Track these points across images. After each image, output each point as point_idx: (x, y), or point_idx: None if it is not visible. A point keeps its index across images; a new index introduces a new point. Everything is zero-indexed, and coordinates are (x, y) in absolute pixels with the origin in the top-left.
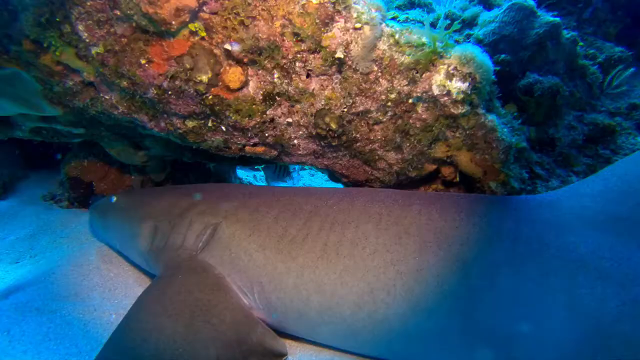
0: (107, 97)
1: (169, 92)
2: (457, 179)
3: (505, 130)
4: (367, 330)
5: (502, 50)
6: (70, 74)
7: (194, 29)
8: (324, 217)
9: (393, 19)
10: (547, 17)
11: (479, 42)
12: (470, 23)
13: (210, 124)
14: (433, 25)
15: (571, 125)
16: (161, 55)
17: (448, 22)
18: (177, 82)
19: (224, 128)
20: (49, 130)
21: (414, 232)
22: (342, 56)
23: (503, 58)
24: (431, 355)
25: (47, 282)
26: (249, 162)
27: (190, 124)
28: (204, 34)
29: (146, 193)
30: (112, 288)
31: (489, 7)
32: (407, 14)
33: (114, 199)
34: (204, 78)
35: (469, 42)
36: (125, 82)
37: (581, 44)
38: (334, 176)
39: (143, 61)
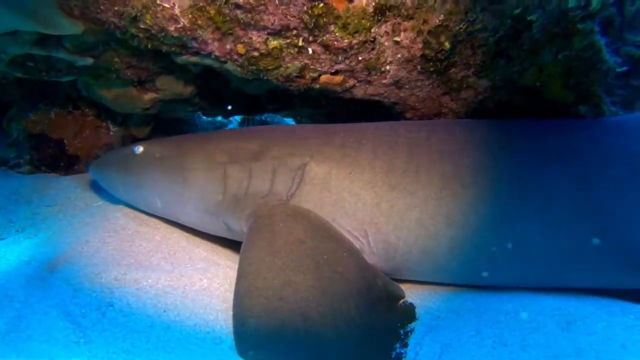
0: (167, 5)
1: None
2: (533, 107)
3: (607, 50)
4: (502, 259)
5: None
6: None
7: None
8: (427, 149)
9: None
10: None
11: None
12: None
13: (300, 43)
14: None
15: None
16: None
17: None
18: None
19: (311, 50)
20: (40, 61)
21: (530, 156)
22: None
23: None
24: (564, 273)
25: (88, 253)
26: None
27: (273, 43)
28: None
29: (187, 140)
30: (172, 252)
31: None
32: None
33: (140, 149)
34: None
35: None
36: None
37: None
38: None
39: None
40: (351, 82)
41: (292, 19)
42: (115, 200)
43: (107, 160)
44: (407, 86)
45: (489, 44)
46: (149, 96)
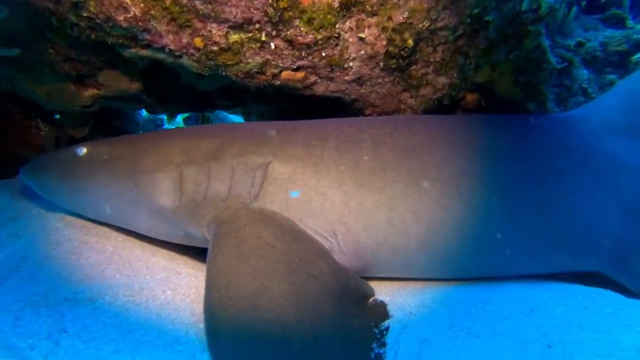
0: None
1: None
2: (483, 104)
3: (551, 52)
4: (469, 251)
5: None
6: None
7: None
8: (392, 145)
9: None
10: None
11: None
12: None
13: (263, 38)
14: None
15: None
16: None
17: None
18: None
19: (273, 45)
20: None
21: (492, 151)
22: None
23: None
24: (522, 262)
25: (27, 271)
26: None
27: (234, 37)
28: None
29: (137, 140)
30: (127, 263)
31: None
32: None
33: (83, 150)
34: None
35: None
36: None
37: None
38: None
39: None
40: (313, 78)
41: (255, 11)
42: (53, 208)
43: (43, 163)
44: (368, 83)
45: (449, 42)
46: (89, 92)
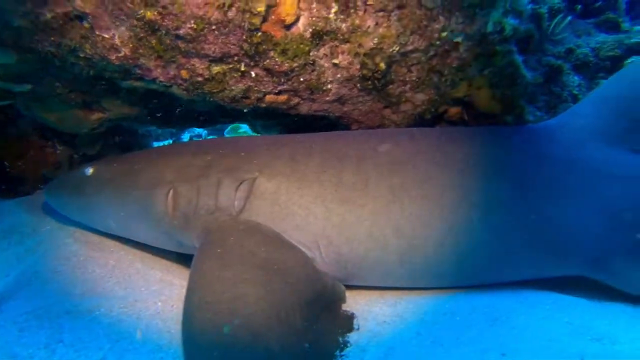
0: (106, 35)
1: (212, 27)
2: (465, 117)
3: (525, 67)
4: (449, 264)
5: None
6: (51, 2)
7: None
8: (375, 160)
9: None
10: None
11: None
12: None
13: (242, 68)
14: None
15: (534, 67)
16: None
17: None
18: (230, 14)
19: (254, 74)
20: None
21: (473, 164)
22: None
23: None
24: (504, 271)
25: (37, 285)
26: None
27: (216, 69)
28: None
29: (136, 159)
30: (126, 276)
31: None
32: None
33: (90, 170)
34: (262, 9)
35: None
36: (153, 13)
37: None
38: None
39: None
40: (295, 100)
41: (232, 46)
42: (65, 223)
43: (59, 183)
44: (349, 102)
45: (422, 63)
46: (95, 116)
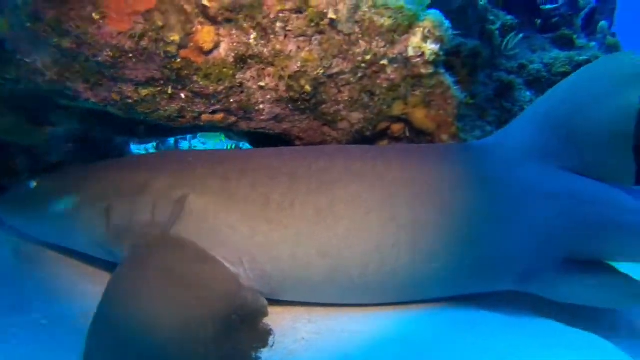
0: (28, 60)
1: (129, 55)
2: (407, 134)
3: (456, 87)
4: (375, 284)
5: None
6: None
7: None
8: (307, 179)
9: None
10: None
11: None
12: None
13: (170, 91)
14: None
15: (484, 82)
16: (122, 10)
17: None
18: (143, 43)
19: (184, 95)
20: None
21: (403, 184)
22: (334, 17)
23: None
24: (432, 289)
25: None
26: (188, 131)
27: (144, 91)
28: None
29: (78, 172)
30: (54, 290)
31: None
32: None
33: (34, 184)
34: (176, 38)
35: None
36: (68, 42)
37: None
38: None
39: (96, 16)
40: (232, 118)
41: (154, 71)
42: (10, 235)
43: (8, 197)
44: (286, 120)
45: (353, 83)
46: (44, 130)
